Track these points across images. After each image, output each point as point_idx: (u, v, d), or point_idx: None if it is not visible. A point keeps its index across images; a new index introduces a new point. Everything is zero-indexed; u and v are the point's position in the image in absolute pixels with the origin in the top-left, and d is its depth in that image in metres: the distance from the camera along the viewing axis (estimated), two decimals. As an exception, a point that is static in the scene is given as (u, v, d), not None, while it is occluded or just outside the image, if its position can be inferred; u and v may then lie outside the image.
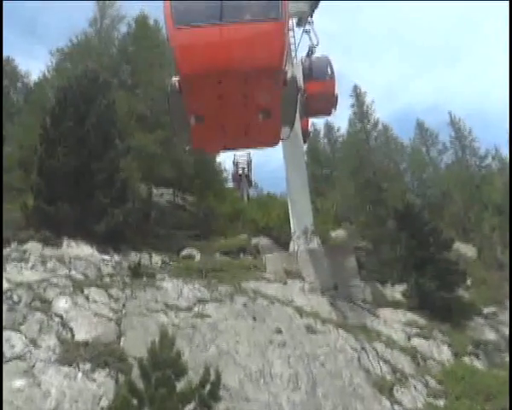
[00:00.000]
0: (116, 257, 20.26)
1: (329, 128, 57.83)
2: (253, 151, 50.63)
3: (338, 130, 56.60)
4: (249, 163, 56.62)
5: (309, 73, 22.32)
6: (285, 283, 19.40)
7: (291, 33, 23.84)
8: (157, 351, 9.04)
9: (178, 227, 29.08)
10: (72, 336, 14.66)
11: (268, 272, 20.23)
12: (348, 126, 44.37)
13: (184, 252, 23.19)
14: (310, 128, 33.76)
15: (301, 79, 23.24)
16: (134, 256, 21.03)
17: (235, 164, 56.39)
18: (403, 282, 21.23)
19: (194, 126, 12.32)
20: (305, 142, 32.60)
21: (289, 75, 11.85)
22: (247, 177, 56.43)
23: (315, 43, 21.39)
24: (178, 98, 11.85)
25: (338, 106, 24.12)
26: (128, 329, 15.24)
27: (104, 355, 13.90)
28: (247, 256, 24.57)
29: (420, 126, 49.18)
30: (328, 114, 24.80)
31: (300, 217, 21.33)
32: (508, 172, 30.77)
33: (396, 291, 21.69)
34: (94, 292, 16.80)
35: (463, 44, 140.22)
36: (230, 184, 56.35)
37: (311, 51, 21.89)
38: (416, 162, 43.85)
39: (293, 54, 23.69)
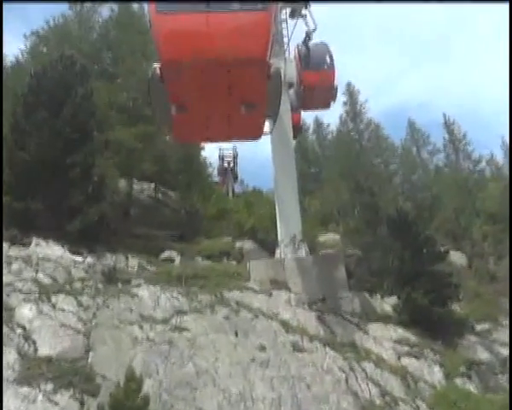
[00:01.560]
0: (89, 259, 18.86)
1: (319, 125, 56.82)
2: (238, 144, 50.08)
3: (328, 126, 55.75)
4: (235, 157, 55.43)
5: (306, 61, 20.90)
6: (270, 293, 18.18)
7: (284, 25, 22.61)
8: (121, 397, 7.71)
9: (159, 226, 27.69)
10: (35, 350, 13.34)
11: (252, 281, 18.98)
12: (339, 125, 43.43)
13: (164, 255, 21.83)
14: (301, 123, 32.23)
15: (294, 74, 21.97)
16: (109, 258, 19.66)
17: (221, 158, 55.15)
18: (393, 294, 20.15)
19: (175, 116, 11.90)
20: (295, 137, 31.28)
21: (274, 68, 11.44)
22: (233, 171, 55.30)
23: (312, 28, 19.70)
24: (160, 86, 11.41)
25: (336, 98, 22.93)
26: (97, 343, 13.92)
27: (69, 374, 12.63)
28: (231, 261, 23.31)
29: (411, 126, 48.35)
30: (327, 107, 23.41)
31: (289, 224, 20.04)
32: (504, 180, 29.99)
33: (385, 303, 20.62)
34: (62, 299, 15.48)
35: (456, 40, 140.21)
36: (216, 179, 55.33)
37: (308, 37, 20.28)
38: (407, 164, 42.95)
39: (285, 47, 22.33)
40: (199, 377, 13.59)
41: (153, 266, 20.27)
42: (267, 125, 16.13)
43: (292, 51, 22.45)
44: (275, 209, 22.32)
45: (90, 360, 13.32)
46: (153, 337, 14.55)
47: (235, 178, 56.41)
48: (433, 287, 18.37)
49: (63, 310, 14.98)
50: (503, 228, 28.19)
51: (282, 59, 20.85)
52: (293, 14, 22.63)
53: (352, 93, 31.03)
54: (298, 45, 21.39)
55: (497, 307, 20.68)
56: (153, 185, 34.88)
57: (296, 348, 15.37)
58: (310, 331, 16.55)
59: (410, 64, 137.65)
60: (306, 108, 24.26)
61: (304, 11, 20.83)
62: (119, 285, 17.28)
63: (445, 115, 36.50)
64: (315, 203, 38.56)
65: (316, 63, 20.77)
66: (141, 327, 14.98)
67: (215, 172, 54.26)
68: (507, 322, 19.94)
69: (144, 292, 16.85)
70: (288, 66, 21.11)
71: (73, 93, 21.96)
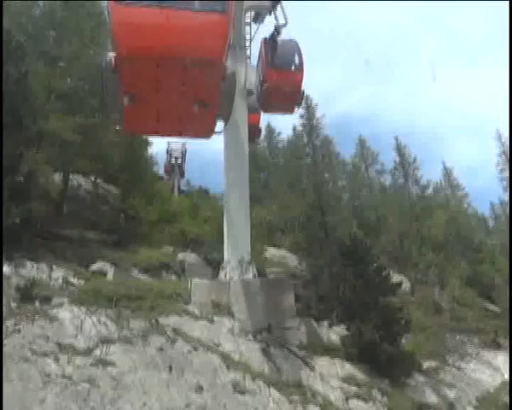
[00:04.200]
0: (5, 268, 16.28)
1: (270, 131, 55.76)
2: (187, 140, 48.74)
3: (279, 134, 54.81)
4: (183, 154, 53.50)
5: (271, 58, 19.03)
6: (212, 320, 16.48)
7: (247, 28, 21.03)
8: None
9: (95, 226, 25.30)
10: None
11: (193, 304, 17.21)
12: (293, 136, 42.44)
13: (95, 266, 19.50)
14: (260, 125, 30.23)
15: (254, 81, 20.41)
16: (29, 268, 17.25)
17: (169, 153, 52.98)
18: (341, 322, 19.11)
19: (127, 107, 11.85)
20: (253, 140, 29.55)
21: (229, 70, 11.61)
22: (180, 167, 53.25)
23: (282, 22, 17.82)
24: (113, 76, 11.33)
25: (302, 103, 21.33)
26: None
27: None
28: (171, 275, 21.44)
29: (361, 143, 48.24)
30: (290, 111, 21.64)
31: (237, 244, 18.31)
32: (450, 210, 30.11)
33: (333, 332, 19.54)
34: (-39, 321, 12.95)
35: (401, 62, 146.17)
36: (162, 174, 52.95)
37: (276, 32, 18.33)
38: (355, 181, 42.70)
39: (247, 52, 20.73)
40: (122, 426, 11.65)
41: (80, 279, 17.97)
42: (219, 125, 14.75)
43: (254, 58, 20.87)
44: (221, 215, 20.73)
45: (-13, 403, 11.02)
46: (70, 374, 12.36)
47: (182, 174, 54.45)
48: (384, 322, 17.44)
49: (-40, 336, 12.53)
50: (447, 256, 28.19)
51: (243, 64, 19.32)
52: (256, 18, 21.12)
53: (309, 106, 29.77)
54: (265, 39, 19.37)
55: (443, 343, 20.14)
56: (92, 179, 32.36)
57: (237, 388, 13.73)
58: (253, 367, 14.99)
59: (356, 78, 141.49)
60: (268, 110, 22.09)
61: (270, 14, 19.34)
62: (37, 304, 14.88)
63: (396, 139, 36.35)
64: (262, 213, 37.35)
65: (283, 62, 18.88)
66: (57, 360, 12.75)
67: (161, 170, 52.18)
68: (453, 360, 19.52)
69: (66, 314, 14.58)
70: (249, 72, 19.58)
71: (5, 73, 19.28)
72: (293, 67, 18.96)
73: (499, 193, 40.88)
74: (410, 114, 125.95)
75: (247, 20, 20.50)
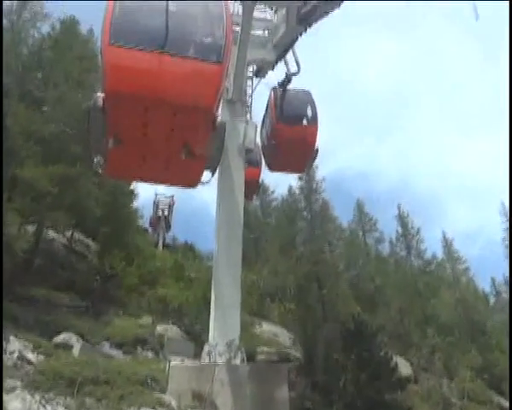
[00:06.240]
0: (-50, 339, 13.68)
1: (264, 189, 54.10)
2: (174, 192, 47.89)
3: (273, 192, 53.26)
4: (171, 206, 52.00)
5: (281, 111, 17.46)
6: (191, 417, 13.84)
7: (248, 82, 19.66)
8: None
9: (67, 286, 22.69)
10: None
11: (170, 393, 14.56)
12: (289, 197, 40.53)
13: (60, 338, 16.78)
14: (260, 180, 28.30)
15: (253, 138, 18.75)
16: (-18, 338, 14.57)
17: (156, 204, 51.44)
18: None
19: (111, 150, 11.26)
20: (251, 197, 27.73)
21: (219, 121, 11.48)
22: (166, 220, 51.53)
23: (294, 70, 16.53)
24: (100, 116, 10.93)
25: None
26: None
27: None
28: (147, 352, 18.78)
29: (360, 208, 46.51)
30: (300, 171, 19.83)
31: (226, 326, 15.68)
32: (458, 289, 28.09)
33: (330, 432, 16.90)
34: None
35: (398, 120, 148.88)
36: (146, 226, 50.96)
37: (287, 80, 17.06)
38: (352, 249, 40.52)
39: (248, 106, 19.17)
40: None
41: (41, 354, 15.26)
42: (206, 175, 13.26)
43: (254, 114, 19.33)
44: (207, 278, 19.39)
45: None
46: None
47: (168, 227, 52.50)
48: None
49: None
50: (455, 342, 25.82)
51: (243, 120, 17.67)
52: (258, 72, 19.88)
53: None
54: (274, 89, 17.92)
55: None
56: (68, 234, 29.93)
57: None
58: None
59: (350, 134, 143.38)
60: (275, 169, 20.30)
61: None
62: (-16, 388, 12.25)
63: (399, 207, 34.78)
64: (251, 276, 35.02)
65: (294, 115, 17.35)
66: None
67: (147, 223, 50.19)
68: None
69: (16, 404, 11.93)
70: (248, 129, 17.88)
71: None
72: (305, 121, 17.36)
73: (502, 266, 38.09)
74: (404, 174, 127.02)
75: (249, 74, 19.08)
